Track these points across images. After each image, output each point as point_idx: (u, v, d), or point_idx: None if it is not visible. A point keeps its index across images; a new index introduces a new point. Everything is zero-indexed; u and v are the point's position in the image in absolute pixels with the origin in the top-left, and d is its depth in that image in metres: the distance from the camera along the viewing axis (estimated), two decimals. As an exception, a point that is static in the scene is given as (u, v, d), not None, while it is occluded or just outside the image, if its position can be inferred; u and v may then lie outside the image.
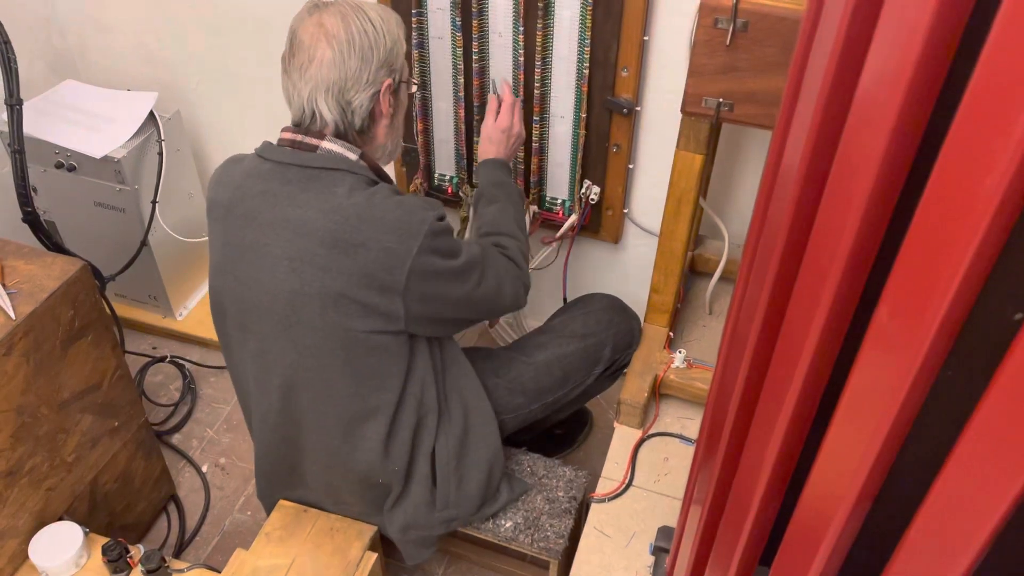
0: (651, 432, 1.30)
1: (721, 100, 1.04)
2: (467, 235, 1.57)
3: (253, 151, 1.13)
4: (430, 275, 1.05)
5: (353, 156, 1.08)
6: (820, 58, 0.56)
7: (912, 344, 0.47)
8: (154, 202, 1.64)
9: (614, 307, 1.38)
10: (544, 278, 1.71)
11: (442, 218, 1.07)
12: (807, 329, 0.57)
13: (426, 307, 1.08)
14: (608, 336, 1.33)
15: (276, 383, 1.13)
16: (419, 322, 1.09)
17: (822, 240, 0.55)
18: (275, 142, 1.11)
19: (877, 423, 0.52)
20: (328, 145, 1.07)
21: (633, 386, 1.30)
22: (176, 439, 1.71)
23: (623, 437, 1.30)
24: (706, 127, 1.11)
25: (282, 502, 1.32)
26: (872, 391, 0.52)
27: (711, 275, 1.45)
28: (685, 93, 1.06)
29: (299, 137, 1.08)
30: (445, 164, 1.61)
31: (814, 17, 0.58)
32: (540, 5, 1.32)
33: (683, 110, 1.08)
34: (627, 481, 1.25)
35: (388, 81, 1.09)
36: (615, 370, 1.37)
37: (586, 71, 1.37)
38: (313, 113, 1.07)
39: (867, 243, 0.51)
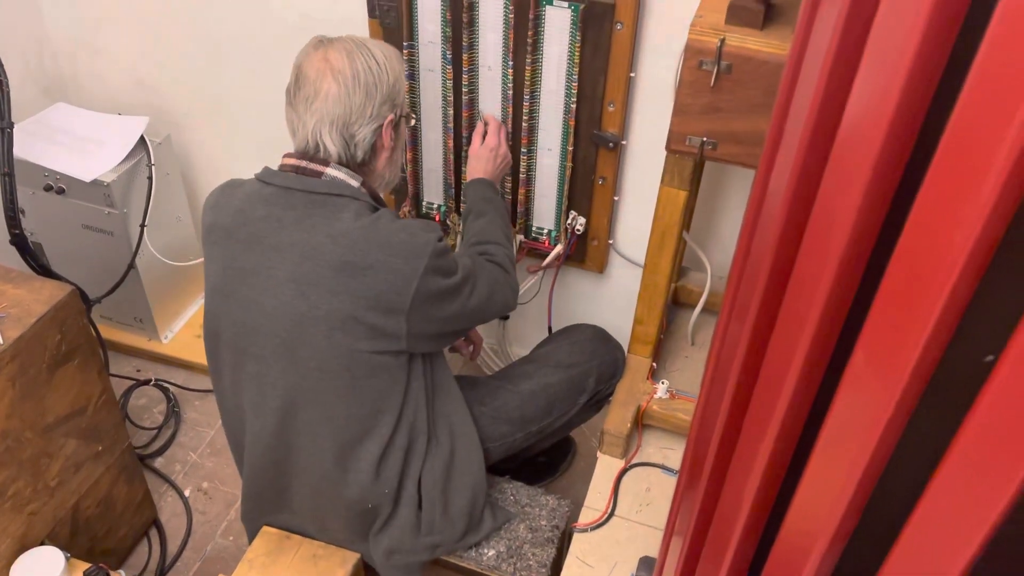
0: (634, 462, 1.31)
1: (705, 139, 1.07)
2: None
3: (253, 176, 1.15)
4: (433, 294, 1.09)
5: (356, 183, 1.12)
6: (801, 104, 0.58)
7: (886, 388, 0.49)
8: (143, 226, 1.65)
9: (599, 337, 1.40)
10: (530, 307, 1.72)
11: (441, 239, 1.12)
12: (787, 369, 0.59)
13: (427, 325, 1.11)
14: (592, 366, 1.35)
15: (274, 405, 1.14)
16: (419, 339, 1.12)
17: (801, 284, 0.58)
18: (275, 168, 1.13)
19: (854, 461, 0.54)
20: (333, 172, 1.10)
21: (616, 416, 1.32)
22: (159, 463, 1.71)
23: (606, 467, 1.31)
24: (690, 164, 1.14)
25: (265, 528, 1.32)
26: (849, 432, 0.54)
27: (694, 307, 1.48)
28: (670, 131, 1.09)
29: (303, 163, 1.11)
30: (433, 193, 1.63)
31: (796, 63, 0.61)
32: (529, 41, 1.35)
33: (668, 147, 1.11)
34: (609, 511, 1.26)
35: (391, 116, 1.13)
36: (599, 400, 1.39)
37: (573, 105, 1.40)
38: (317, 145, 1.11)
39: (844, 289, 0.53)
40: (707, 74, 1.02)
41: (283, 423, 1.16)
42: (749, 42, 1.00)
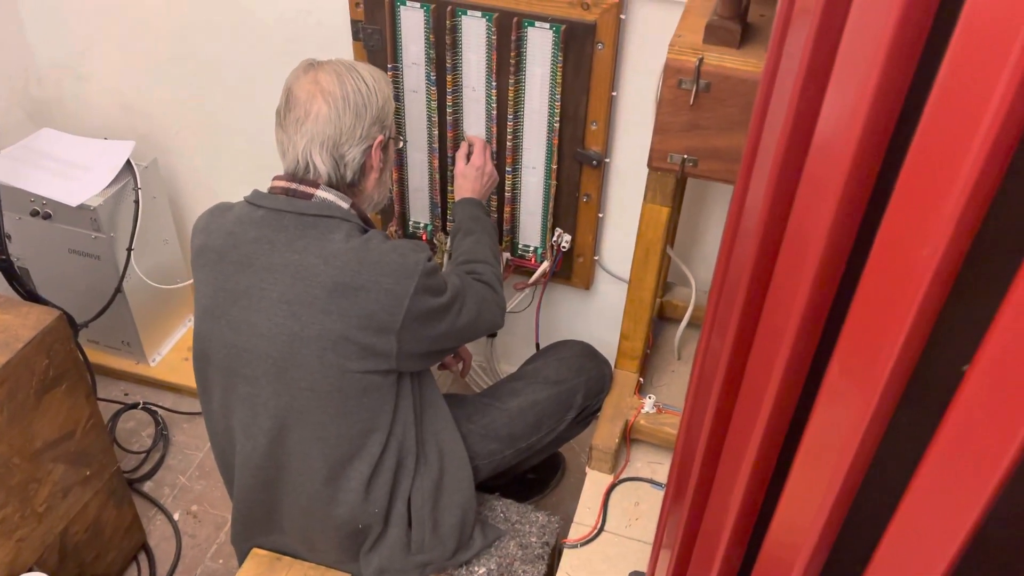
0: (622, 477, 1.32)
1: (686, 156, 1.08)
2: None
3: (242, 199, 1.16)
4: (423, 313, 1.11)
5: (345, 205, 1.13)
6: (775, 122, 0.60)
7: (862, 398, 0.51)
8: (129, 249, 1.65)
9: (586, 353, 1.41)
10: (517, 324, 1.73)
11: (431, 258, 1.14)
12: (767, 382, 0.60)
13: (417, 344, 1.13)
14: (580, 382, 1.36)
15: (265, 426, 1.15)
16: (409, 358, 1.13)
17: (779, 298, 0.59)
18: (264, 190, 1.14)
19: (833, 471, 0.55)
20: (323, 194, 1.12)
21: (604, 431, 1.32)
22: (148, 486, 1.70)
23: (595, 482, 1.32)
24: (672, 181, 1.15)
25: (255, 550, 1.31)
26: (828, 443, 0.55)
27: (679, 321, 1.49)
28: (651, 149, 1.11)
29: (293, 185, 1.12)
30: (420, 212, 1.64)
31: (769, 82, 0.62)
32: (512, 61, 1.36)
33: (649, 165, 1.13)
34: (599, 526, 1.26)
35: (380, 137, 1.15)
36: (587, 416, 1.40)
37: (557, 124, 1.41)
38: (307, 165, 1.12)
39: (820, 302, 0.55)
40: (686, 93, 1.03)
41: (274, 444, 1.16)
42: (727, 61, 1.02)
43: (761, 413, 0.62)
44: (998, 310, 0.42)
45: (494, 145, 1.48)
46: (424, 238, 1.66)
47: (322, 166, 1.12)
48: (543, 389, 1.34)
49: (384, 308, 1.08)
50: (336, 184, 1.14)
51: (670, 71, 1.04)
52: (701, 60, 1.02)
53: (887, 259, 0.47)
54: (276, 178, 1.15)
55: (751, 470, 0.65)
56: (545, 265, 1.60)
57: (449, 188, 1.55)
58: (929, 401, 0.54)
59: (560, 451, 1.71)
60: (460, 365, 1.54)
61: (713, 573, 0.74)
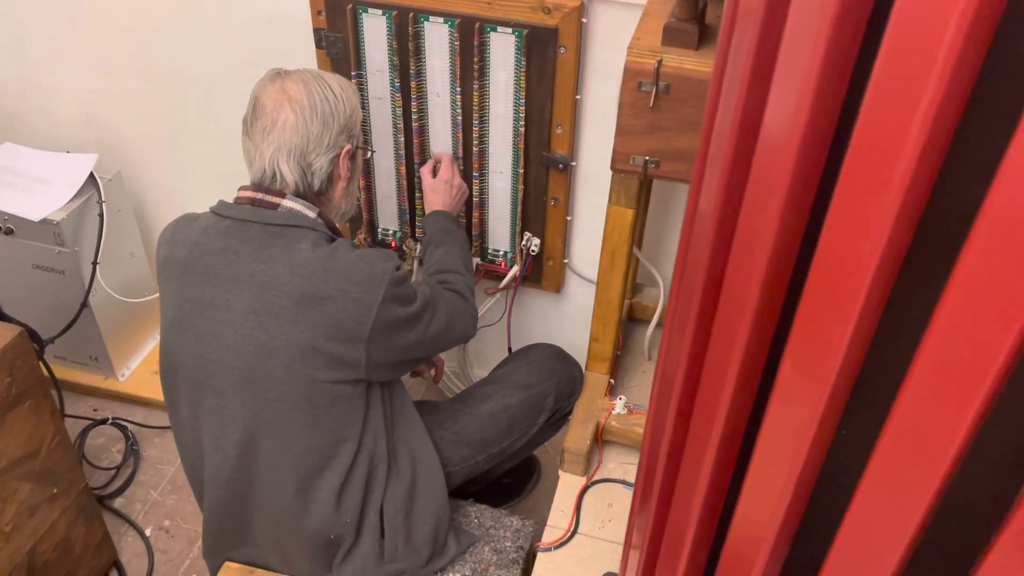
0: (595, 479, 1.32)
1: (648, 158, 1.09)
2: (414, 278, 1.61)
3: (208, 209, 1.15)
4: (392, 322, 1.10)
5: (312, 214, 1.12)
6: (724, 124, 0.61)
7: (813, 395, 0.51)
8: (95, 263, 1.63)
9: (556, 356, 1.42)
10: (489, 329, 1.73)
11: (399, 267, 1.13)
12: (723, 381, 0.61)
13: (386, 353, 1.12)
14: (551, 385, 1.36)
15: (234, 438, 1.14)
16: (379, 368, 1.13)
17: (732, 298, 0.59)
18: (230, 200, 1.14)
19: (789, 466, 0.56)
20: (289, 203, 1.11)
21: (576, 434, 1.33)
22: (118, 503, 1.68)
23: (568, 485, 1.32)
24: (635, 183, 1.16)
25: (228, 564, 1.30)
26: (783, 439, 0.56)
27: (649, 322, 1.50)
28: (614, 151, 1.11)
29: (259, 195, 1.12)
30: (388, 219, 1.64)
31: (718, 84, 0.63)
32: (476, 67, 1.37)
33: (612, 167, 1.13)
34: (572, 529, 1.27)
35: (348, 146, 1.15)
36: (558, 418, 1.40)
37: (522, 129, 1.42)
38: (274, 174, 1.12)
39: (770, 301, 0.55)
40: (646, 95, 1.04)
41: (243, 456, 1.15)
42: (685, 62, 1.02)
43: (719, 411, 0.62)
44: (937, 304, 0.43)
45: (460, 151, 1.48)
46: (393, 245, 1.65)
47: (289, 175, 1.12)
48: (514, 393, 1.35)
49: (352, 317, 1.07)
50: (303, 193, 1.14)
51: (630, 74, 1.04)
52: (660, 62, 1.02)
53: (832, 255, 0.47)
54: (242, 188, 1.15)
55: (712, 468, 0.65)
56: (515, 269, 1.60)
57: (417, 194, 1.55)
58: (881, 395, 0.55)
59: (535, 455, 1.71)
60: (433, 372, 1.54)
61: (679, 572, 0.75)
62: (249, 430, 1.12)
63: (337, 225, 1.23)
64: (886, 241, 0.44)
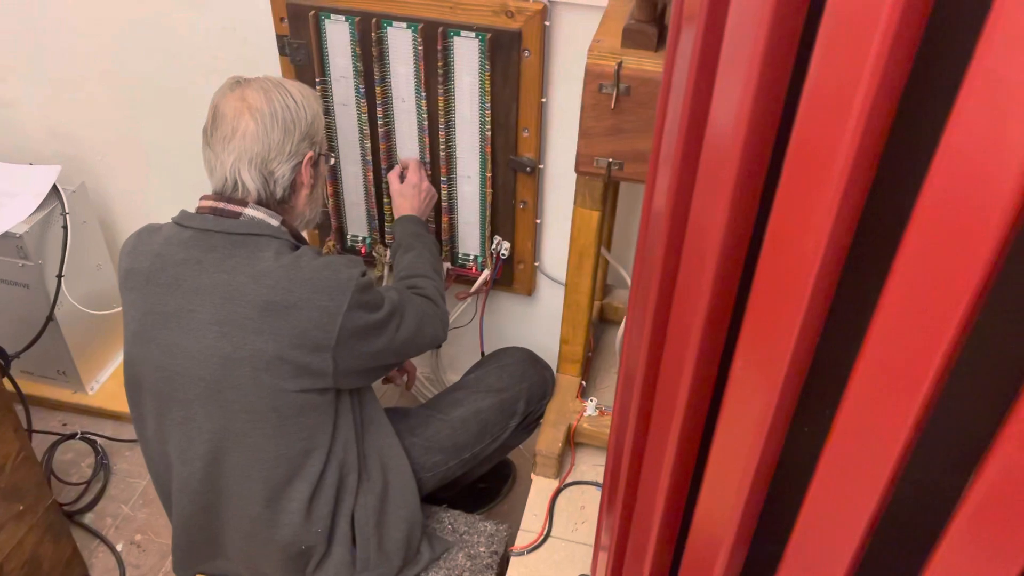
0: (568, 481, 1.32)
1: (611, 159, 1.09)
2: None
3: (170, 219, 1.14)
4: (359, 330, 1.09)
5: (275, 222, 1.12)
6: (672, 125, 0.61)
7: (765, 392, 0.51)
8: (60, 276, 1.61)
9: (527, 360, 1.42)
10: (462, 334, 1.73)
11: (365, 273, 1.13)
12: (679, 380, 0.61)
13: (354, 360, 1.11)
14: (522, 388, 1.36)
15: (201, 450, 1.13)
16: (346, 375, 1.12)
17: (685, 296, 0.60)
18: (192, 210, 1.13)
19: (746, 463, 0.56)
20: (251, 212, 1.10)
21: (548, 436, 1.33)
22: (89, 518, 1.66)
23: (540, 488, 1.32)
24: (600, 185, 1.16)
25: (199, 577, 1.29)
26: (737, 436, 0.56)
27: (620, 323, 1.50)
28: (577, 154, 1.11)
29: (221, 204, 1.11)
30: (357, 225, 1.63)
31: (667, 87, 0.63)
32: (440, 71, 1.37)
33: (576, 170, 1.13)
34: (545, 532, 1.27)
35: (310, 153, 1.14)
36: (530, 422, 1.40)
37: (488, 133, 1.42)
38: (236, 183, 1.11)
39: (722, 300, 0.55)
40: (608, 97, 1.05)
41: (211, 468, 1.14)
42: (645, 64, 1.03)
43: (677, 410, 0.62)
44: (878, 301, 0.43)
45: (427, 155, 1.48)
46: (363, 251, 1.65)
47: (251, 183, 1.11)
48: (485, 398, 1.34)
49: (317, 326, 1.06)
50: (266, 201, 1.13)
51: (590, 76, 1.05)
52: (620, 64, 1.03)
53: (776, 254, 0.47)
54: (204, 197, 1.14)
55: (672, 466, 0.66)
56: (486, 273, 1.60)
57: (386, 200, 1.55)
58: (836, 390, 0.55)
59: (510, 459, 1.70)
60: (405, 378, 1.53)
61: (646, 571, 0.75)
62: (216, 442, 1.11)
63: (303, 232, 1.22)
64: (828, 237, 0.44)
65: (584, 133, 1.09)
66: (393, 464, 1.23)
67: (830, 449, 0.50)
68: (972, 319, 0.40)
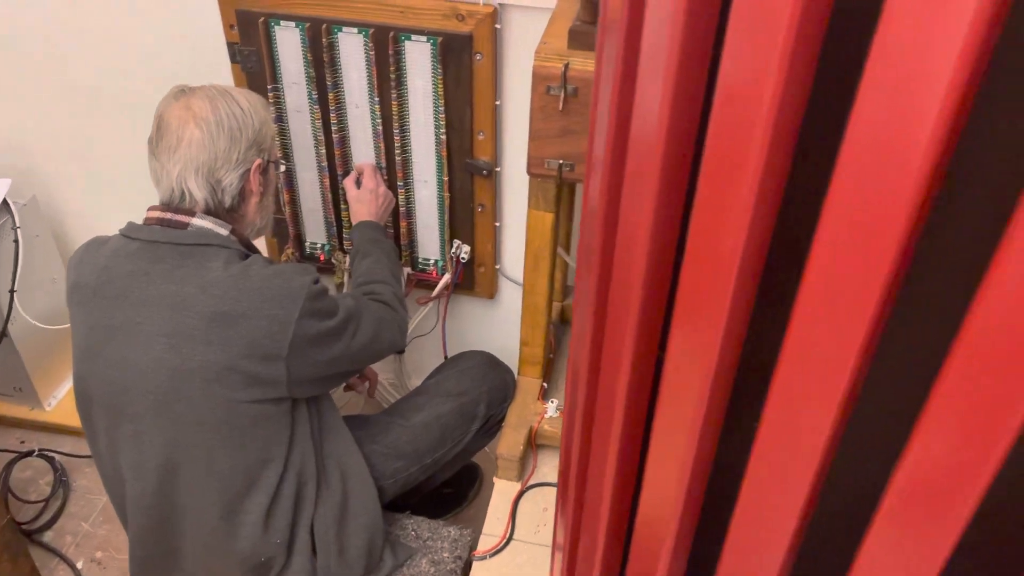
0: (530, 484, 1.32)
1: (562, 161, 1.10)
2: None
3: (117, 232, 1.12)
4: (311, 338, 1.08)
5: (224, 231, 1.11)
6: (602, 126, 0.61)
7: (695, 391, 0.52)
8: (12, 291, 1.58)
9: (487, 363, 1.42)
10: (425, 338, 1.72)
11: (317, 280, 1.12)
12: (617, 379, 0.61)
13: (308, 369, 1.10)
14: (483, 392, 1.36)
15: (153, 465, 1.11)
16: (301, 384, 1.11)
17: (619, 295, 0.60)
18: (140, 222, 1.11)
19: (683, 459, 0.56)
20: (199, 222, 1.09)
21: (509, 439, 1.32)
22: (48, 536, 1.63)
23: (502, 491, 1.32)
24: (552, 187, 1.16)
25: (159, 592, 1.27)
26: (672, 436, 0.56)
27: (580, 324, 1.50)
28: (528, 156, 1.11)
29: (168, 215, 1.09)
30: (315, 232, 1.62)
31: (597, 89, 0.63)
32: (393, 76, 1.36)
33: (528, 172, 1.13)
34: (508, 535, 1.26)
35: (258, 161, 1.13)
36: (492, 425, 1.40)
37: (443, 136, 1.41)
38: (183, 192, 1.10)
39: (654, 298, 0.55)
40: (555, 99, 1.05)
41: (164, 482, 1.12)
42: (591, 65, 1.03)
43: (616, 408, 0.62)
44: (795, 299, 0.43)
45: (383, 160, 1.47)
46: (322, 258, 1.64)
47: (198, 193, 1.10)
48: (445, 402, 1.34)
49: (268, 335, 1.06)
50: (214, 211, 1.12)
51: (538, 78, 1.05)
52: (567, 66, 1.03)
53: (699, 251, 0.48)
54: (151, 208, 1.13)
55: (616, 466, 0.66)
56: (447, 277, 1.59)
57: (343, 206, 1.54)
58: (762, 387, 0.55)
59: (477, 463, 1.70)
60: (366, 385, 1.52)
61: (596, 570, 0.75)
62: (169, 456, 1.10)
63: (256, 240, 1.21)
64: (744, 240, 0.44)
65: (534, 135, 1.09)
66: (353, 472, 1.22)
67: (759, 447, 0.50)
68: (884, 314, 0.40)
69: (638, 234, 0.53)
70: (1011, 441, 0.38)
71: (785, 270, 0.47)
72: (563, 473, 0.87)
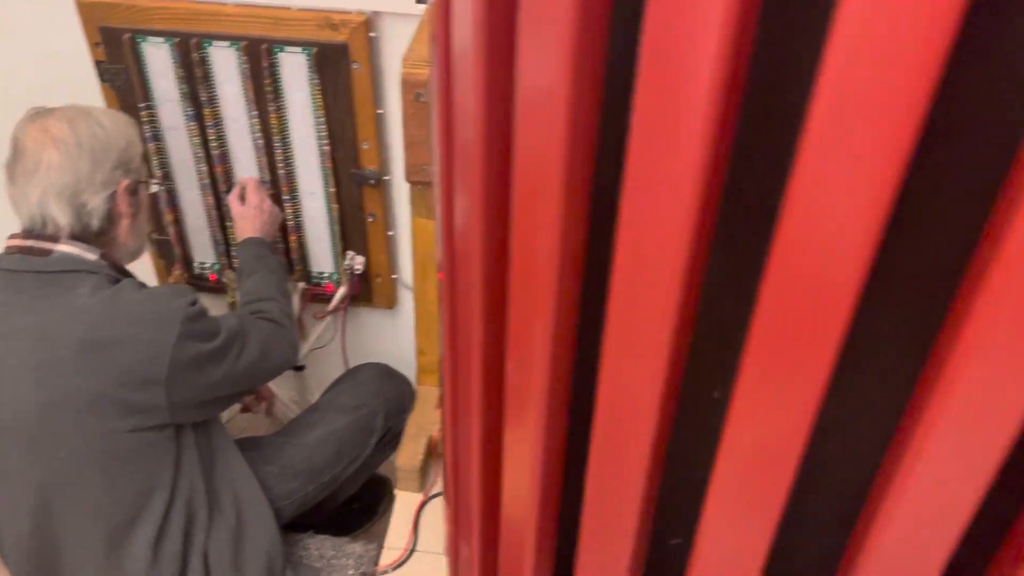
0: (432, 493, 1.31)
1: (438, 167, 1.09)
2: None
3: None
4: (191, 361, 1.05)
5: (92, 256, 1.06)
6: (466, 129, 0.61)
7: (531, 390, 0.52)
8: None
9: (382, 374, 1.40)
10: (326, 354, 1.70)
11: (194, 302, 1.08)
12: (470, 383, 0.61)
13: (190, 393, 1.07)
14: (378, 404, 1.34)
15: (26, 508, 1.06)
16: (184, 409, 1.08)
17: (466, 297, 0.59)
18: (1, 251, 1.07)
19: (531, 465, 0.56)
20: (64, 248, 1.05)
21: (408, 450, 1.31)
22: (-68, 589, 1.54)
23: (404, 503, 1.31)
24: (433, 193, 1.16)
25: (49, 638, 1.21)
26: (519, 439, 0.56)
27: (478, 329, 1.50)
28: (405, 164, 1.11)
29: (30, 243, 1.05)
30: (203, 252, 1.57)
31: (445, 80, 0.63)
32: (269, 89, 1.33)
33: (407, 180, 1.13)
34: (411, 547, 1.25)
35: (125, 181, 1.10)
36: (392, 437, 1.38)
37: (326, 148, 1.39)
38: (45, 218, 1.06)
39: (493, 299, 0.55)
40: (425, 105, 1.04)
41: (42, 525, 1.07)
42: (459, 70, 1.03)
43: (473, 413, 0.62)
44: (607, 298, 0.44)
45: (267, 175, 1.44)
46: (213, 278, 1.59)
47: (61, 218, 1.06)
48: (340, 417, 1.32)
49: (144, 360, 1.02)
50: (81, 235, 1.08)
51: (407, 85, 1.04)
52: (434, 72, 1.02)
53: (520, 257, 0.48)
54: (12, 236, 1.08)
55: (480, 469, 0.65)
56: (342, 290, 1.57)
57: (229, 223, 1.50)
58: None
59: (386, 476, 1.68)
60: (263, 405, 1.49)
61: (475, 573, 0.75)
62: (43, 497, 1.05)
63: (131, 264, 1.17)
64: (560, 231, 0.44)
65: (409, 142, 1.09)
66: (246, 496, 1.19)
67: (594, 448, 0.51)
68: (688, 307, 0.41)
69: (472, 242, 0.53)
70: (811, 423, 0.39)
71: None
72: (446, 479, 0.86)
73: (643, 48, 0.35)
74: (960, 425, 0.37)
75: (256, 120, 1.38)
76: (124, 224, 1.12)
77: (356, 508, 1.62)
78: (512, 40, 0.46)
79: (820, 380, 0.37)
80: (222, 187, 1.46)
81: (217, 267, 1.58)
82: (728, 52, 0.32)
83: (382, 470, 1.54)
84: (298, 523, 1.33)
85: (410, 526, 1.27)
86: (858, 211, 0.32)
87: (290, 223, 1.50)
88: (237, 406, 1.50)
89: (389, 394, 1.37)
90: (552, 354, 0.50)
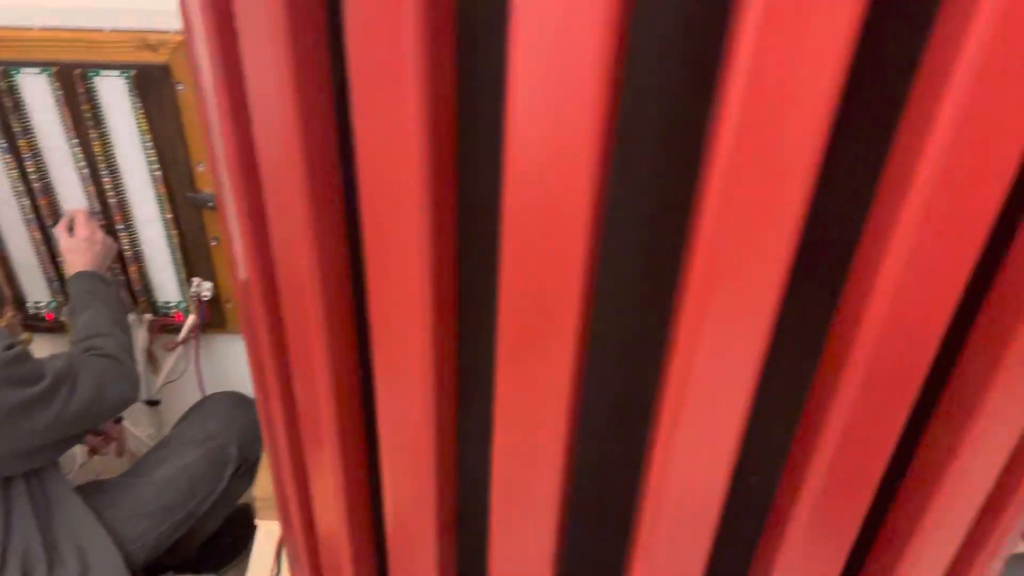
0: (294, 519, 1.28)
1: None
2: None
3: None
4: (13, 408, 1.00)
5: None
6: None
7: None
8: None
9: (233, 403, 1.36)
10: (181, 385, 1.63)
11: (10, 347, 1.02)
12: (270, 408, 0.59)
13: (13, 443, 1.01)
14: (231, 433, 1.30)
15: None
16: (9, 460, 1.02)
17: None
18: None
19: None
20: None
21: (264, 479, 1.27)
22: None
23: (265, 533, 1.26)
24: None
25: None
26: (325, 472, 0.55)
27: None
28: (231, 184, 1.07)
29: None
30: (37, 291, 1.49)
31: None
32: (89, 116, 1.27)
33: (235, 200, 1.09)
34: (273, 577, 1.21)
35: None
36: (250, 467, 1.34)
37: (158, 172, 1.34)
38: None
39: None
40: (244, 123, 1.01)
41: None
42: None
43: (279, 439, 0.61)
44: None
45: (97, 204, 1.37)
46: (50, 317, 1.51)
47: None
48: (191, 451, 1.27)
49: None
50: None
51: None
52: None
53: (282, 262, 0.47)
54: None
55: (295, 493, 0.64)
56: (192, 319, 1.51)
57: (59, 258, 1.42)
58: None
59: (252, 506, 1.63)
60: (111, 445, 1.42)
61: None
62: None
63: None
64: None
65: (232, 163, 1.06)
66: (90, 544, 1.12)
67: (385, 458, 0.50)
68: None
69: (245, 258, 0.52)
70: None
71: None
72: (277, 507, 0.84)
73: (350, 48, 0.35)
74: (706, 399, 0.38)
75: (78, 148, 1.31)
76: None
77: (226, 543, 1.57)
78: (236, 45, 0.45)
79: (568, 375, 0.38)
80: (48, 220, 1.38)
81: (54, 305, 1.50)
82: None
83: (247, 500, 1.49)
84: (162, 563, 1.27)
85: (272, 557, 1.23)
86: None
87: (128, 253, 1.43)
88: (84, 448, 1.43)
89: (242, 422, 1.32)
90: (331, 370, 0.49)
